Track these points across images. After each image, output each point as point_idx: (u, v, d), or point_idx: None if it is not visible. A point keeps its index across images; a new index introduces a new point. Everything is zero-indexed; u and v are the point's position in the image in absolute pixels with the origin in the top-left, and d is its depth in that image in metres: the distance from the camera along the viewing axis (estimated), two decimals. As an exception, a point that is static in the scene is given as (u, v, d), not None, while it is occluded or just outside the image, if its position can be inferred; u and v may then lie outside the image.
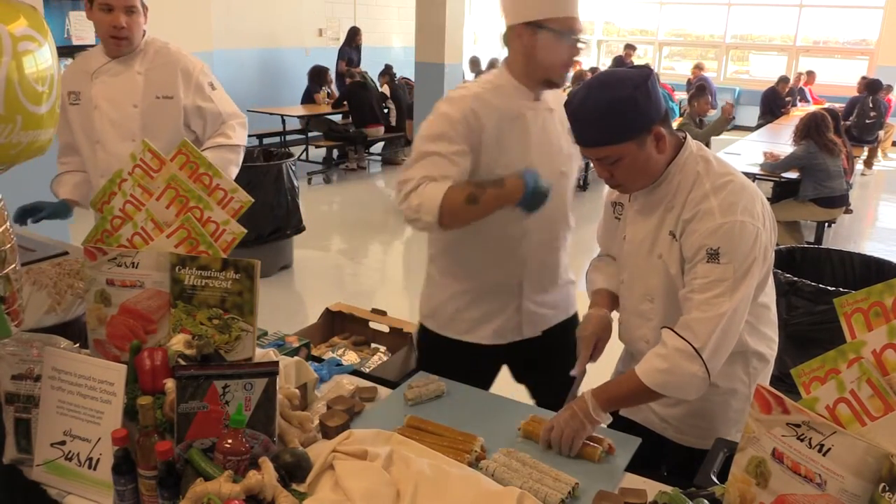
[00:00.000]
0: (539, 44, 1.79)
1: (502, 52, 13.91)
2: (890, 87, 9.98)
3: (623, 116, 1.48)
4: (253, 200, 1.76)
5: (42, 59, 1.83)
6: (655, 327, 1.67)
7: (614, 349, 1.86)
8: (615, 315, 1.83)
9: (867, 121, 9.40)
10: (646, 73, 1.51)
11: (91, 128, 2.45)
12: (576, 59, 1.87)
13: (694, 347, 1.49)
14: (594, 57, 15.58)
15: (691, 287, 1.53)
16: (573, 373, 1.75)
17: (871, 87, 9.59)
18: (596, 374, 1.80)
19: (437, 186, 1.73)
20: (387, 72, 9.37)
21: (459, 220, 1.76)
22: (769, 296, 1.70)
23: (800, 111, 9.52)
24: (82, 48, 6.68)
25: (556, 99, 1.94)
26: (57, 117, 2.02)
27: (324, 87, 9.44)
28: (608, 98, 1.48)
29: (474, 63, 11.91)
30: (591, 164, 1.67)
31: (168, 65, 2.44)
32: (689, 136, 1.62)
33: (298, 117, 8.72)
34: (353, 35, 10.29)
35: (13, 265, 1.67)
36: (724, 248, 1.49)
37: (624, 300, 1.77)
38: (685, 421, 1.73)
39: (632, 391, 1.57)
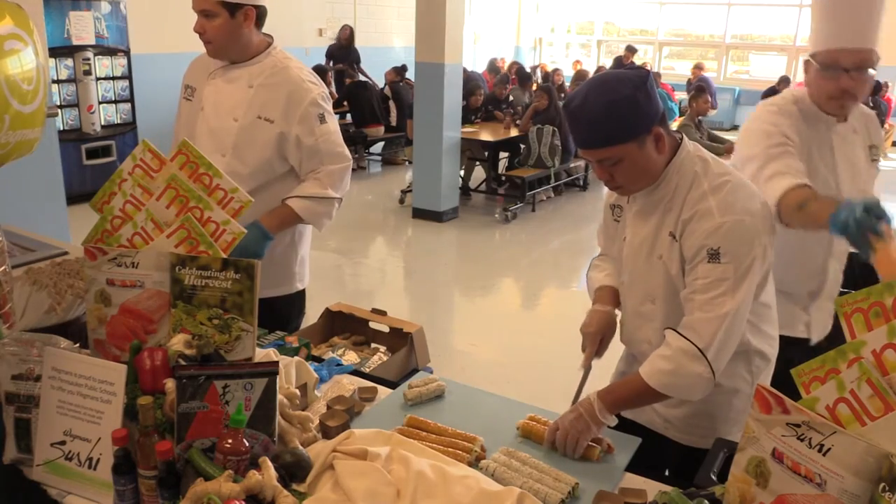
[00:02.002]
0: (809, 78, 1.93)
1: (501, 52, 13.82)
2: (887, 86, 9.98)
3: (624, 117, 1.49)
4: (252, 200, 1.76)
5: (28, 59, 1.83)
6: (657, 328, 1.67)
7: (616, 348, 1.86)
8: (617, 312, 1.83)
9: (868, 121, 9.41)
10: (644, 73, 1.52)
11: (193, 129, 2.29)
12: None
13: (698, 348, 1.49)
14: (594, 57, 15.58)
15: (693, 288, 1.54)
16: (579, 367, 1.76)
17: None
18: (598, 373, 1.80)
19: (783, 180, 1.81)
20: (400, 71, 9.32)
21: (792, 221, 1.78)
22: (770, 294, 1.71)
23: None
24: (82, 48, 6.70)
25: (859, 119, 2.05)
26: (44, 116, 2.00)
27: (324, 88, 9.43)
28: (608, 99, 1.48)
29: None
30: (591, 166, 1.67)
31: (279, 86, 2.21)
32: (685, 137, 1.63)
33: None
34: (345, 34, 10.31)
35: (2, 267, 1.67)
36: (724, 247, 1.49)
37: (625, 301, 1.77)
38: (688, 421, 1.73)
39: (637, 393, 1.58)
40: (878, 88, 9.65)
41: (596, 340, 1.76)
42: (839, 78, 1.84)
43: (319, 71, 9.39)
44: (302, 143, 2.21)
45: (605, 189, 1.77)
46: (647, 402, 1.67)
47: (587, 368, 1.76)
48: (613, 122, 1.49)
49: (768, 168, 1.85)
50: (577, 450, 1.53)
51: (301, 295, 2.51)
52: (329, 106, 2.28)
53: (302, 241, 2.45)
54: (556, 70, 11.58)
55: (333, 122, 2.29)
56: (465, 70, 8.73)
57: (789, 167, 1.83)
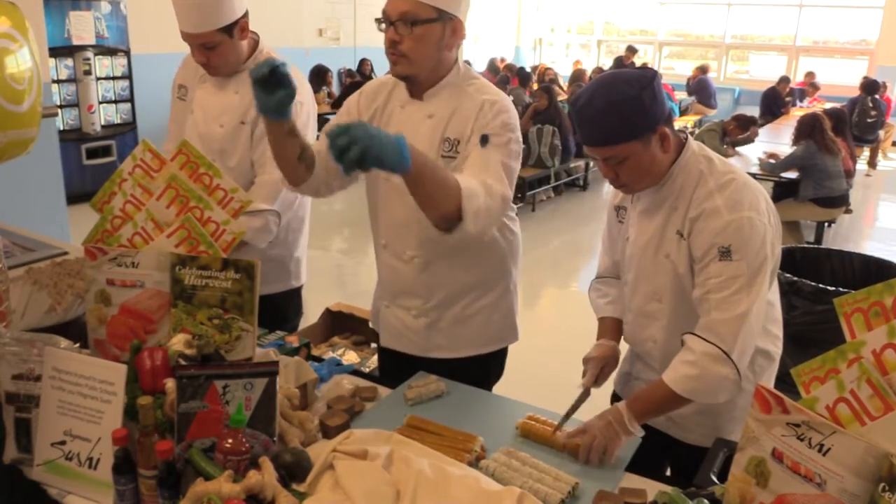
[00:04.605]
0: None
1: (501, 52, 13.73)
2: (885, 86, 10.00)
3: (630, 116, 1.49)
4: (253, 200, 1.76)
5: (22, 59, 1.82)
6: (663, 326, 1.67)
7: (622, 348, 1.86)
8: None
9: (868, 120, 9.41)
10: (651, 74, 1.53)
11: (182, 130, 2.27)
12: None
13: (723, 350, 1.49)
14: (594, 57, 15.58)
15: (707, 288, 1.53)
16: (579, 386, 1.76)
17: (870, 87, 9.61)
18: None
19: None
20: None
21: None
22: (774, 293, 1.71)
23: (800, 111, 9.53)
24: (82, 48, 6.70)
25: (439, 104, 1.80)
26: (38, 116, 1.99)
27: (324, 88, 9.45)
28: (615, 98, 1.48)
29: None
30: (591, 164, 1.68)
31: None
32: (689, 137, 1.63)
33: (298, 117, 8.72)
34: (368, 67, 10.42)
35: (-2, 266, 1.67)
36: (735, 245, 1.49)
37: (629, 301, 1.77)
38: (691, 419, 1.73)
39: (663, 400, 1.57)
40: (877, 87, 9.65)
41: (598, 366, 1.76)
42: (387, 30, 1.71)
43: (319, 71, 9.42)
44: (257, 139, 2.18)
45: (605, 189, 1.77)
46: (673, 409, 1.65)
47: (586, 389, 1.75)
48: (618, 122, 1.49)
49: None
50: (606, 458, 1.53)
51: (297, 293, 2.51)
52: (304, 111, 2.16)
53: (298, 239, 2.44)
54: (547, 69, 11.61)
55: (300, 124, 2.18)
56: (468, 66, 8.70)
57: None
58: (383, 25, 1.70)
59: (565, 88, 11.05)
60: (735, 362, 1.50)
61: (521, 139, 1.81)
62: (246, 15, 2.13)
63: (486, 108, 1.75)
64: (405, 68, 1.72)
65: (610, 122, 1.50)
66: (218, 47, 2.08)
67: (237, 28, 2.10)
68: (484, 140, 1.73)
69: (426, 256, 1.86)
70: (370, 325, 2.18)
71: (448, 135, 1.78)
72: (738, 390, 1.55)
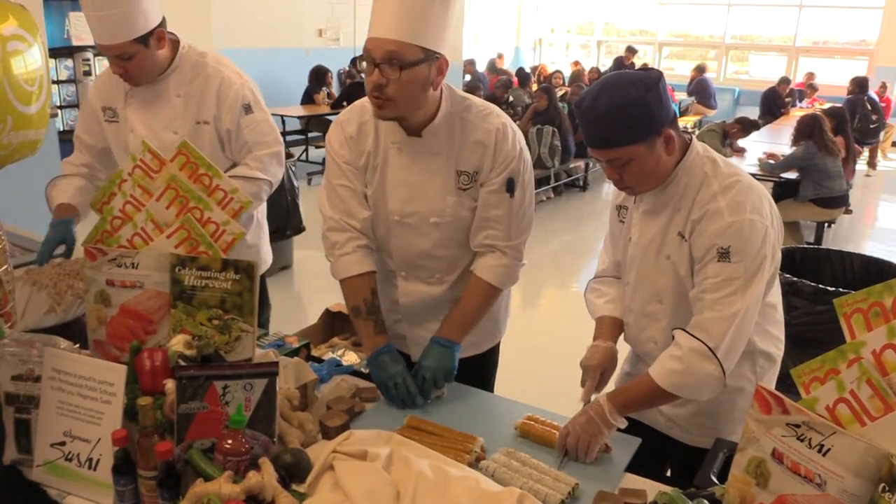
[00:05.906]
0: None
1: (499, 52, 13.68)
2: (885, 86, 10.01)
3: (634, 118, 1.48)
4: (252, 201, 1.76)
5: (32, 59, 1.83)
6: (664, 327, 1.67)
7: (621, 349, 1.85)
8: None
9: (871, 126, 9.41)
10: (656, 75, 1.51)
11: (125, 150, 2.21)
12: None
13: (709, 347, 1.49)
14: (594, 57, 15.59)
15: (703, 287, 1.53)
16: (580, 400, 1.75)
17: (863, 85, 9.61)
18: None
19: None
20: None
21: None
22: (775, 295, 1.71)
23: (799, 111, 9.53)
24: (82, 48, 6.70)
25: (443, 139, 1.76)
26: (47, 117, 2.00)
27: (324, 88, 9.45)
28: (620, 100, 1.47)
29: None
30: (591, 165, 1.67)
31: (204, 85, 2.19)
32: (694, 138, 1.63)
33: (298, 118, 8.72)
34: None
35: (4, 266, 1.67)
36: (734, 246, 1.49)
37: (630, 302, 1.77)
38: (691, 420, 1.73)
39: (647, 394, 1.57)
40: (867, 85, 9.66)
41: (597, 374, 1.75)
42: (370, 72, 1.60)
43: (320, 72, 9.42)
44: (232, 135, 2.22)
45: (605, 190, 1.77)
46: (656, 404, 1.66)
47: (587, 402, 1.75)
48: (623, 124, 1.49)
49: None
50: (588, 454, 1.53)
51: (264, 281, 2.54)
52: (254, 94, 2.26)
53: (263, 217, 2.50)
54: (555, 73, 11.60)
55: (260, 110, 2.26)
56: (471, 65, 8.60)
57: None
58: (364, 64, 1.61)
59: (567, 89, 11.06)
60: (720, 360, 1.50)
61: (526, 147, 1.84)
62: (163, 24, 2.11)
63: (499, 140, 1.74)
64: (391, 112, 1.66)
65: (614, 124, 1.49)
66: (134, 58, 2.06)
67: (153, 38, 2.07)
68: (511, 186, 1.76)
69: (458, 274, 1.87)
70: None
71: (462, 168, 1.76)
72: (721, 389, 1.55)
